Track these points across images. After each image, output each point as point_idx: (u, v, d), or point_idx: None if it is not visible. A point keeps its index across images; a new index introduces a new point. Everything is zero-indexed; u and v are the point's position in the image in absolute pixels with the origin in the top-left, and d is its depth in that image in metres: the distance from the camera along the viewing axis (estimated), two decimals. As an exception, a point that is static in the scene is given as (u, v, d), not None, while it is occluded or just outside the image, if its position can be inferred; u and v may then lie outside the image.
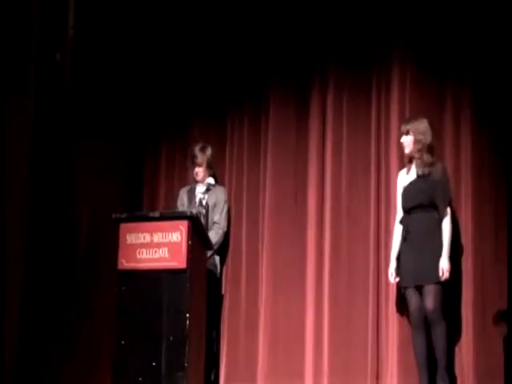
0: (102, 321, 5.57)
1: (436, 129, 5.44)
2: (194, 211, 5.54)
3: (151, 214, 5.40)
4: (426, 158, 5.29)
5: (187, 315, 5.02)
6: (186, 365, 4.99)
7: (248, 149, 6.30)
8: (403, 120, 5.58)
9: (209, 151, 6.06)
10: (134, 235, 5.22)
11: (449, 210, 5.20)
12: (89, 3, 5.75)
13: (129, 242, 5.21)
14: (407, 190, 5.32)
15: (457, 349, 5.37)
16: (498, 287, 5.37)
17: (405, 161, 5.52)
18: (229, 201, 6.16)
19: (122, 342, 5.10)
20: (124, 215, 5.33)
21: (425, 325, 5.13)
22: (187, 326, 5.02)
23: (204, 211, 5.87)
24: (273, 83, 6.24)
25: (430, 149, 5.33)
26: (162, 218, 5.27)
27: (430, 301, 5.06)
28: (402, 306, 5.43)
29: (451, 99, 5.70)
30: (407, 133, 5.35)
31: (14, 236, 4.83)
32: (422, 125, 5.34)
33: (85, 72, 5.73)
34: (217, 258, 6.01)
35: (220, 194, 6.06)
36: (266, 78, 6.29)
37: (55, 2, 5.42)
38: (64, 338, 5.27)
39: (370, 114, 5.91)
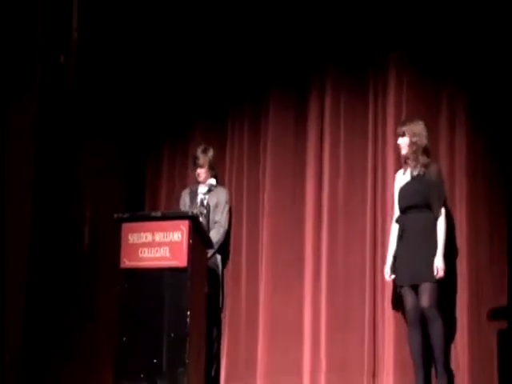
0: (105, 318, 5.56)
1: (431, 131, 5.48)
2: (195, 211, 5.62)
3: (153, 214, 5.43)
4: (422, 159, 5.35)
5: (188, 313, 5.05)
6: (186, 361, 5.00)
7: (248, 150, 6.34)
8: (400, 122, 5.61)
9: (210, 153, 6.12)
10: (135, 235, 5.24)
11: (443, 210, 5.24)
12: (92, 6, 5.76)
13: (131, 241, 5.24)
14: (403, 191, 5.38)
15: (452, 346, 5.40)
16: (492, 287, 5.42)
17: (401, 162, 5.56)
18: (229, 201, 6.20)
19: (124, 339, 5.12)
20: (126, 215, 5.36)
21: (421, 323, 5.18)
22: (188, 323, 5.04)
23: (205, 211, 5.92)
24: (272, 86, 6.29)
25: (426, 150, 5.38)
26: (164, 217, 5.30)
27: (426, 299, 5.10)
28: (398, 304, 5.47)
29: (446, 102, 5.76)
30: (403, 135, 5.41)
31: (18, 236, 4.85)
32: (418, 127, 5.40)
33: (88, 74, 5.70)
34: (218, 257, 6.06)
35: (221, 195, 6.12)
36: (265, 80, 6.33)
37: (59, 5, 5.43)
38: (67, 335, 5.25)
39: (367, 115, 5.97)
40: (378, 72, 5.99)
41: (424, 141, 5.38)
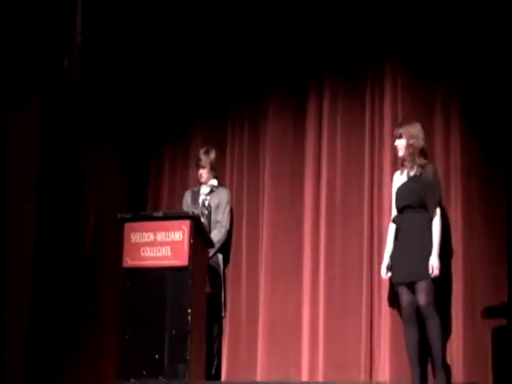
0: (107, 317, 5.45)
1: (426, 132, 5.52)
2: (196, 211, 5.70)
3: (155, 214, 5.50)
4: (418, 160, 5.39)
5: (189, 310, 5.10)
6: (187, 358, 5.06)
7: (248, 151, 6.39)
8: (397, 124, 5.65)
9: (212, 154, 6.18)
10: (138, 234, 5.30)
11: (438, 210, 5.27)
12: (96, 10, 5.78)
13: (133, 240, 5.30)
14: (400, 191, 5.43)
15: (448, 344, 5.42)
16: (487, 285, 5.46)
17: (398, 163, 5.60)
18: (231, 201, 6.24)
19: (127, 337, 5.18)
20: (129, 215, 5.41)
21: (417, 320, 5.21)
22: (189, 321, 5.10)
23: (207, 212, 5.99)
24: (271, 88, 6.33)
25: (423, 152, 5.42)
26: (165, 217, 5.36)
27: (423, 297, 5.14)
28: (394, 301, 5.51)
29: (441, 103, 5.81)
30: (400, 136, 5.45)
31: (22, 235, 4.89)
32: (415, 129, 5.43)
33: (91, 77, 5.70)
34: (220, 257, 6.11)
35: (223, 195, 6.17)
36: (264, 82, 6.38)
37: (63, 9, 5.43)
38: (70, 333, 5.07)
39: (364, 117, 6.02)
40: (374, 75, 6.04)
41: (421, 142, 5.42)
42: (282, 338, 5.94)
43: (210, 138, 6.51)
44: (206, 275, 5.61)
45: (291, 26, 6.30)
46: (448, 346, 5.43)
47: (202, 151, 6.20)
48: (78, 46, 5.48)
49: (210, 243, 5.71)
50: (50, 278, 5.03)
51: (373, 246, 5.82)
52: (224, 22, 6.53)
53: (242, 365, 6.05)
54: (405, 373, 5.36)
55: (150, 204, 6.61)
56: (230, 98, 6.53)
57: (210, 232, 5.94)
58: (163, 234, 5.27)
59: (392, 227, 5.49)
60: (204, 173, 6.17)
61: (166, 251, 5.25)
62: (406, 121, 5.60)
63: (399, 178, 5.52)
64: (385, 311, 5.65)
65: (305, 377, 5.79)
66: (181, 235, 5.23)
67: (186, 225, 5.24)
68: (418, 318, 5.23)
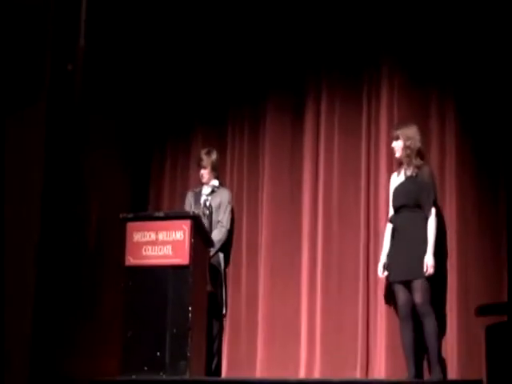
0: (110, 314, 5.64)
1: (422, 133, 5.55)
2: (197, 211, 5.75)
3: (156, 214, 5.57)
4: (415, 161, 5.44)
5: (190, 308, 5.17)
6: (188, 355, 5.13)
7: (248, 152, 6.44)
8: (394, 126, 5.70)
9: (214, 155, 6.23)
10: (140, 234, 5.36)
11: (434, 209, 5.32)
12: (99, 17, 5.80)
13: (135, 240, 5.36)
14: (396, 191, 5.49)
15: (443, 340, 5.47)
16: (481, 283, 5.50)
17: (395, 164, 5.68)
18: (232, 201, 6.28)
19: (129, 334, 5.24)
20: (131, 215, 5.48)
21: (412, 318, 5.26)
22: (190, 319, 5.16)
23: (208, 212, 6.02)
24: (270, 90, 6.39)
25: (419, 153, 5.47)
26: (167, 217, 5.42)
27: (419, 295, 5.19)
28: (390, 299, 5.56)
29: (436, 105, 5.85)
30: (397, 138, 5.49)
31: (27, 235, 4.85)
32: (411, 130, 5.48)
33: (94, 80, 5.67)
34: (221, 256, 6.16)
35: (224, 195, 6.21)
36: (264, 86, 6.43)
37: (68, 15, 5.46)
38: (73, 331, 5.28)
39: (361, 119, 6.07)
40: (370, 77, 6.10)
41: (417, 144, 5.46)
42: (280, 336, 5.99)
43: (211, 139, 6.56)
44: (206, 274, 5.67)
45: (289, 30, 6.36)
46: (443, 343, 5.48)
47: (203, 152, 6.26)
48: (82, 50, 5.55)
49: (210, 242, 5.77)
50: (54, 277, 5.05)
51: (369, 245, 5.87)
52: (224, 29, 6.59)
53: (242, 361, 6.09)
54: (400, 369, 5.41)
55: (151, 204, 6.65)
56: (231, 100, 6.58)
57: (211, 232, 5.99)
58: (164, 233, 5.33)
59: (389, 227, 5.54)
60: (205, 173, 6.23)
61: (167, 250, 5.31)
62: (403, 123, 5.64)
63: (396, 179, 5.58)
64: (381, 309, 5.69)
65: (302, 373, 5.83)
66: (182, 234, 5.29)
67: (186, 224, 5.30)
68: (414, 315, 5.28)
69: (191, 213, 5.65)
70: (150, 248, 5.34)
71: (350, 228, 5.96)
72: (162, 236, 5.34)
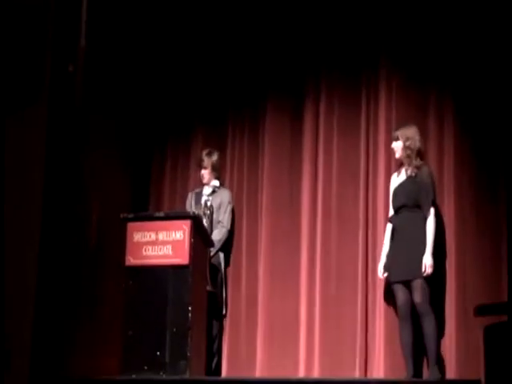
0: (110, 314, 5.65)
1: (421, 134, 5.57)
2: (197, 212, 5.77)
3: (156, 214, 5.59)
4: (415, 162, 5.47)
5: (190, 308, 5.18)
6: (188, 354, 5.14)
7: (248, 153, 6.47)
8: (394, 127, 5.73)
9: (215, 156, 6.26)
10: (140, 234, 5.37)
11: (432, 209, 5.34)
12: (100, 17, 5.81)
13: (135, 239, 5.37)
14: (396, 191, 5.51)
15: (441, 340, 5.47)
16: (479, 283, 5.52)
17: (395, 165, 5.71)
18: (232, 201, 6.30)
19: (129, 333, 5.25)
20: (131, 215, 5.50)
21: (411, 317, 5.28)
22: (190, 318, 5.18)
23: (209, 212, 6.04)
24: (270, 92, 6.41)
25: (419, 153, 5.49)
26: (167, 217, 5.44)
27: (419, 295, 5.21)
28: (389, 299, 5.57)
29: (434, 106, 5.88)
30: (397, 139, 5.52)
31: (28, 235, 4.86)
32: (411, 131, 5.50)
33: (95, 81, 5.67)
34: (221, 256, 6.18)
35: (224, 196, 6.24)
36: (264, 87, 6.46)
37: (69, 15, 5.47)
38: (74, 330, 5.30)
39: (360, 120, 6.09)
40: (369, 79, 6.13)
41: (417, 144, 5.49)
42: (280, 336, 6.00)
43: (211, 140, 6.58)
44: (206, 273, 5.69)
45: (289, 32, 6.39)
46: (441, 343, 5.49)
47: (204, 153, 6.29)
48: (83, 51, 5.57)
49: (210, 242, 5.80)
50: (54, 277, 5.04)
51: (368, 246, 5.89)
52: (224, 30, 6.61)
53: (242, 361, 6.11)
54: (399, 369, 5.43)
55: (151, 204, 6.67)
56: (231, 101, 6.61)
57: (211, 232, 6.01)
58: (165, 233, 5.35)
59: (389, 227, 5.56)
60: (206, 174, 6.25)
61: (167, 250, 5.32)
62: (403, 124, 5.65)
63: (396, 179, 5.60)
64: (380, 309, 5.71)
65: (302, 373, 5.84)
66: (182, 234, 5.30)
67: (186, 224, 5.32)
68: (413, 315, 5.29)
69: (191, 213, 5.67)
70: (150, 248, 5.36)
71: (348, 228, 5.98)
72: (162, 236, 5.35)
